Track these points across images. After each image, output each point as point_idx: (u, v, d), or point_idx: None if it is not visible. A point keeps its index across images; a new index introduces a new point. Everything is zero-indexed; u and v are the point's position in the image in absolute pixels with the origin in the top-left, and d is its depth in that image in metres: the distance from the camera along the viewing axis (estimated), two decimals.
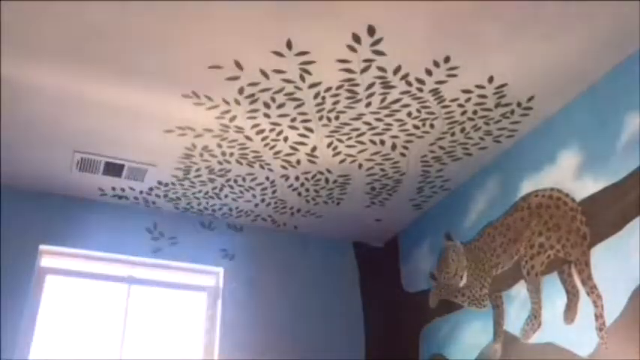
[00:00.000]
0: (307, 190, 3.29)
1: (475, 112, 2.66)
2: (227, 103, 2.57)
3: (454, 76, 2.44)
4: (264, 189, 3.26)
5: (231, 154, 2.94)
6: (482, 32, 2.22)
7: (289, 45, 2.25)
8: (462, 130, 2.78)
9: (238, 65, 2.36)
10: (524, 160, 2.81)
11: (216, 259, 3.51)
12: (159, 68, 2.36)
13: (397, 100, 2.58)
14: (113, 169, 3.04)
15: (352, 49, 2.28)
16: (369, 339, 3.58)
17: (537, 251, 2.62)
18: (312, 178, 3.17)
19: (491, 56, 2.34)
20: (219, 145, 2.86)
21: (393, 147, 2.91)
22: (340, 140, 2.85)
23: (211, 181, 3.17)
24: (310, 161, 3.01)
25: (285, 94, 2.52)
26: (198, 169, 3.07)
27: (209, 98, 2.54)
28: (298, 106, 2.59)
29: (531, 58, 2.36)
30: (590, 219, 2.38)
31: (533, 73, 2.44)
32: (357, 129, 2.77)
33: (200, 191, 3.27)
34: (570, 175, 2.52)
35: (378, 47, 2.27)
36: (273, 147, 2.89)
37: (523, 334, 2.64)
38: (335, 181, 3.21)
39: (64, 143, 2.84)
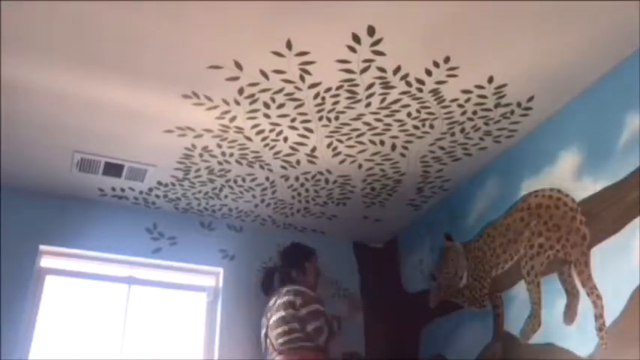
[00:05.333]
0: (307, 190, 3.29)
1: (475, 113, 2.66)
2: (227, 103, 2.57)
3: (454, 76, 2.44)
4: (264, 189, 3.27)
5: (231, 155, 2.94)
6: (482, 32, 2.22)
7: (289, 45, 2.26)
8: (462, 130, 2.78)
9: (238, 65, 2.36)
10: (524, 161, 2.81)
11: (216, 260, 3.51)
12: (159, 68, 2.36)
13: (397, 101, 2.58)
14: (113, 170, 3.04)
15: (352, 49, 2.28)
16: (369, 339, 3.58)
17: (537, 251, 2.62)
18: (312, 178, 3.17)
19: (491, 56, 2.34)
20: (219, 146, 2.86)
21: (393, 147, 2.91)
22: (340, 141, 2.85)
23: (211, 181, 3.17)
24: (310, 162, 3.01)
25: (285, 95, 2.52)
26: (198, 170, 3.07)
27: (209, 98, 2.54)
28: (298, 106, 2.59)
29: (531, 58, 2.36)
30: (590, 219, 2.38)
31: (533, 73, 2.44)
32: (356, 129, 2.77)
33: (200, 192, 3.27)
34: (570, 176, 2.53)
35: (377, 47, 2.27)
36: (273, 147, 2.89)
37: (523, 334, 2.64)
38: (335, 182, 3.21)
39: (64, 143, 2.83)
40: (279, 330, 2.82)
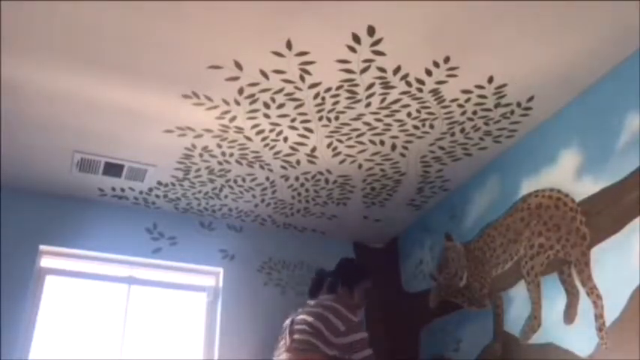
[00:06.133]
0: (307, 190, 3.29)
1: (475, 113, 2.66)
2: (227, 103, 2.57)
3: (454, 76, 2.44)
4: (264, 189, 3.27)
5: (231, 155, 2.94)
6: (482, 32, 2.22)
7: (289, 45, 2.26)
8: (462, 130, 2.78)
9: (238, 65, 2.36)
10: (524, 161, 2.81)
11: (216, 260, 3.51)
12: (159, 68, 2.36)
13: (397, 101, 2.58)
14: (113, 170, 3.04)
15: (352, 49, 2.28)
16: (369, 339, 3.57)
17: (537, 251, 2.62)
18: (312, 178, 3.17)
19: (491, 56, 2.34)
20: (219, 146, 2.86)
21: (393, 147, 2.91)
22: (340, 141, 2.85)
23: (211, 181, 3.17)
24: (310, 162, 3.01)
25: (285, 95, 2.52)
26: (198, 170, 3.07)
27: (209, 98, 2.54)
28: (298, 106, 2.59)
29: (531, 58, 2.36)
30: (590, 219, 2.38)
31: (533, 73, 2.44)
32: (356, 129, 2.77)
33: (200, 192, 3.27)
34: (570, 176, 2.53)
35: (377, 47, 2.27)
36: (273, 147, 2.89)
37: (523, 334, 2.64)
38: (335, 182, 3.21)
39: (64, 143, 2.83)
40: (301, 335, 2.63)
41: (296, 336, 2.64)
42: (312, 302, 2.82)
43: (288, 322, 2.80)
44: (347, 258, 3.14)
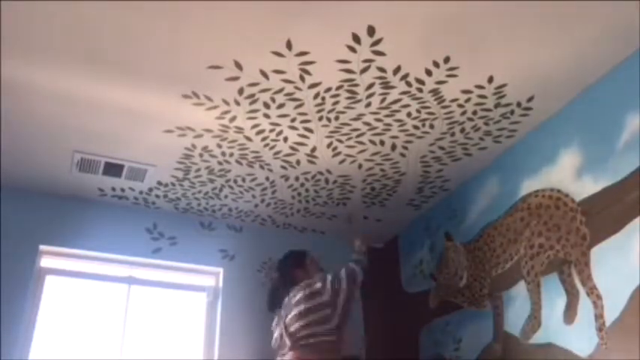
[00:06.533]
0: (307, 190, 3.29)
1: (475, 113, 2.66)
2: (227, 103, 2.57)
3: (454, 76, 2.44)
4: (264, 189, 3.27)
5: (231, 155, 2.94)
6: (482, 32, 2.22)
7: (289, 45, 2.26)
8: (462, 130, 2.78)
9: (238, 65, 2.36)
10: (524, 160, 2.81)
11: (216, 260, 3.51)
12: (159, 68, 2.36)
13: (397, 101, 2.58)
14: (113, 170, 3.04)
15: (352, 49, 2.28)
16: (369, 339, 3.57)
17: (537, 251, 2.62)
18: (312, 178, 3.17)
19: (491, 56, 2.34)
20: (219, 146, 2.86)
21: (393, 147, 2.91)
22: (340, 141, 2.85)
23: (211, 181, 3.17)
24: (310, 162, 3.01)
25: (285, 95, 2.52)
26: (198, 170, 3.07)
27: (209, 98, 2.54)
28: (298, 106, 2.59)
29: (531, 58, 2.36)
30: (590, 219, 2.38)
31: (533, 73, 2.44)
32: (356, 129, 2.77)
33: (200, 192, 3.27)
34: (570, 175, 2.53)
35: (377, 47, 2.27)
36: (273, 147, 2.89)
37: (523, 334, 2.64)
38: (335, 182, 3.21)
39: (64, 143, 2.84)
40: (299, 324, 2.67)
41: (300, 334, 2.64)
42: (286, 306, 2.79)
43: (278, 331, 2.79)
44: (282, 257, 3.09)
